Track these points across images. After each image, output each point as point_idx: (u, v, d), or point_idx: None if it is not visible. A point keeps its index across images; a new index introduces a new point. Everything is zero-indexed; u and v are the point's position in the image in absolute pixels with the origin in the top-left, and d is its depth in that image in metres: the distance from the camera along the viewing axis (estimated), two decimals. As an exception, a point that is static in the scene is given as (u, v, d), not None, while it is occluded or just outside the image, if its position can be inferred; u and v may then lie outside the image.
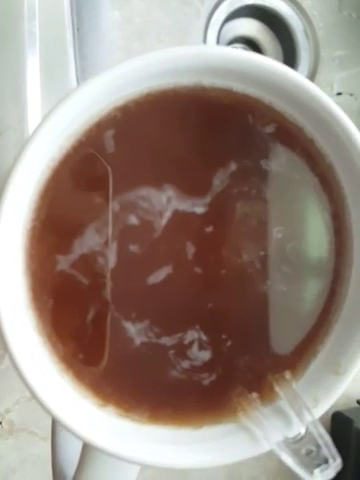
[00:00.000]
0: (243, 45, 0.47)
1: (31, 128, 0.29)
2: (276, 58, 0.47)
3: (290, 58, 0.46)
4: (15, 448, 0.34)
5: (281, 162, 0.16)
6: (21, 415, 0.34)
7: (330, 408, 0.40)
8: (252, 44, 0.47)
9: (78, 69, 0.32)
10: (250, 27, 0.47)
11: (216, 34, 0.44)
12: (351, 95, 0.45)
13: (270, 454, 0.43)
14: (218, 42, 0.44)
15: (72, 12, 0.32)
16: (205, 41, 0.43)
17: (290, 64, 0.46)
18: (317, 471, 0.14)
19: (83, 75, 0.33)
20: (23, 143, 0.28)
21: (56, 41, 0.32)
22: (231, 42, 0.46)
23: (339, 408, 0.38)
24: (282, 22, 0.45)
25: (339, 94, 0.45)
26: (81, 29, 0.37)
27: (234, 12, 0.44)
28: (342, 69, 0.45)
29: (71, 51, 0.32)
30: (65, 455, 0.22)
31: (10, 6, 0.30)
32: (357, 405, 0.39)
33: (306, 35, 0.45)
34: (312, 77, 0.45)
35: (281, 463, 0.43)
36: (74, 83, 0.32)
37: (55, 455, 0.22)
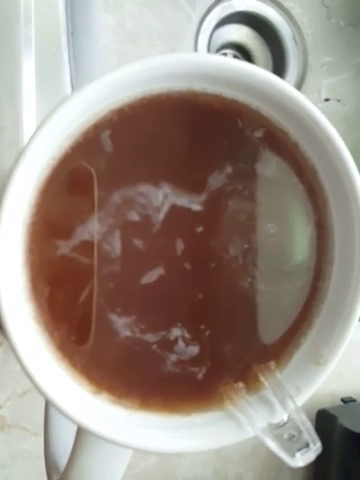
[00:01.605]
0: (233, 51, 0.48)
1: (26, 129, 0.30)
2: (265, 64, 0.48)
3: (279, 64, 0.47)
4: (6, 443, 0.35)
5: (269, 164, 0.17)
6: (12, 411, 0.35)
7: (315, 405, 0.41)
8: (242, 50, 0.48)
9: (72, 72, 0.33)
10: (240, 33, 0.47)
11: (207, 39, 0.45)
12: (338, 101, 0.46)
13: (256, 452, 0.44)
14: (209, 47, 0.45)
15: (67, 16, 0.33)
16: (196, 46, 0.44)
17: (279, 70, 0.47)
18: (298, 454, 0.15)
19: (76, 78, 0.33)
20: (25, 142, 0.29)
21: (51, 44, 0.32)
22: (222, 47, 0.47)
23: (324, 405, 0.39)
24: (272, 29, 0.46)
25: (327, 100, 0.46)
26: (74, 32, 0.37)
27: (225, 18, 0.45)
28: (330, 75, 0.46)
29: (66, 54, 0.33)
30: (57, 447, 0.22)
31: (6, 10, 0.31)
32: (341, 403, 0.40)
33: (295, 42, 0.46)
34: (300, 83, 0.46)
35: (267, 460, 0.44)
36: (68, 86, 0.32)
37: (47, 447, 0.23)
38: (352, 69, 0.47)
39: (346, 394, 0.40)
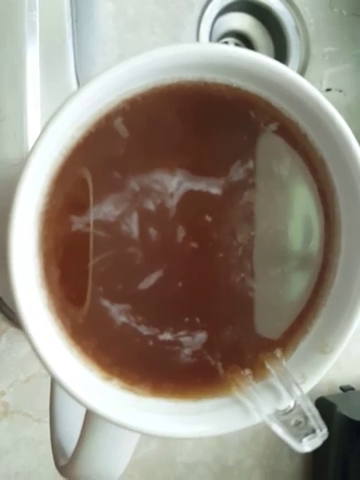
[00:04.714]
0: (235, 39, 0.47)
1: (30, 117, 0.30)
2: (267, 53, 0.48)
3: (281, 53, 0.46)
4: (9, 429, 0.35)
5: (280, 156, 0.17)
6: (15, 397, 0.35)
7: (314, 394, 0.42)
8: (244, 38, 0.47)
9: (76, 59, 0.33)
10: (242, 22, 0.47)
11: (209, 28, 0.44)
12: (340, 91, 0.46)
13: (256, 439, 0.44)
14: (211, 36, 0.45)
15: (71, 3, 0.33)
16: (198, 34, 0.44)
17: (281, 59, 0.47)
18: (305, 440, 0.15)
19: (79, 65, 0.33)
20: (29, 131, 0.29)
21: (55, 31, 0.32)
22: (223, 36, 0.47)
23: (323, 394, 0.39)
24: (274, 17, 0.46)
25: (328, 90, 0.46)
26: (78, 19, 0.37)
27: (227, 6, 0.45)
28: (332, 65, 0.46)
29: (70, 41, 0.33)
30: (63, 432, 0.23)
31: (10, -4, 0.30)
32: (340, 391, 0.41)
33: (297, 31, 0.46)
34: (302, 73, 0.46)
35: (266, 447, 0.45)
36: (73, 74, 0.32)
37: (54, 432, 0.23)
38: (354, 59, 0.47)
39: (345, 383, 0.41)
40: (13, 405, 0.35)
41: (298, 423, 0.16)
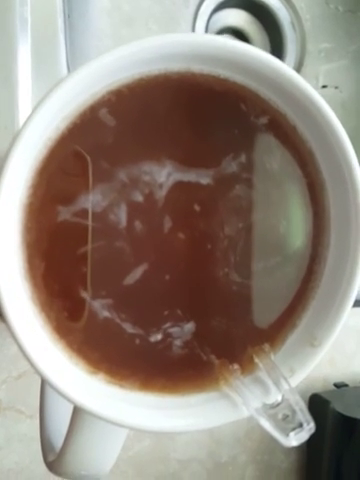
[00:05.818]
0: (231, 36, 0.47)
1: (21, 112, 0.30)
2: (263, 49, 0.47)
3: (277, 50, 0.46)
4: (2, 426, 0.35)
5: (270, 149, 0.17)
6: (8, 394, 0.35)
7: (308, 390, 0.42)
8: (240, 35, 0.47)
9: (68, 55, 0.33)
10: (238, 18, 0.47)
11: (204, 24, 0.44)
12: (336, 88, 0.46)
13: (250, 435, 0.44)
14: (206, 32, 0.44)
15: (63, -2, 0.33)
16: (193, 31, 0.44)
17: (277, 56, 0.47)
18: (292, 434, 0.15)
19: (72, 61, 0.33)
20: (21, 125, 0.28)
21: (47, 27, 0.32)
22: (219, 32, 0.47)
23: (317, 390, 0.39)
24: (270, 14, 0.46)
25: (324, 87, 0.46)
26: (70, 15, 0.37)
27: (222, 2, 0.45)
28: (328, 62, 0.46)
29: (62, 37, 0.32)
30: (53, 428, 0.23)
31: (2, -10, 0.30)
32: (334, 388, 0.41)
33: (293, 27, 0.46)
34: (298, 69, 0.46)
35: (260, 443, 0.45)
36: (64, 69, 0.32)
37: (43, 428, 0.23)
38: (350, 55, 0.46)
39: (339, 379, 0.41)
40: (6, 401, 0.35)
41: (285, 417, 0.15)
